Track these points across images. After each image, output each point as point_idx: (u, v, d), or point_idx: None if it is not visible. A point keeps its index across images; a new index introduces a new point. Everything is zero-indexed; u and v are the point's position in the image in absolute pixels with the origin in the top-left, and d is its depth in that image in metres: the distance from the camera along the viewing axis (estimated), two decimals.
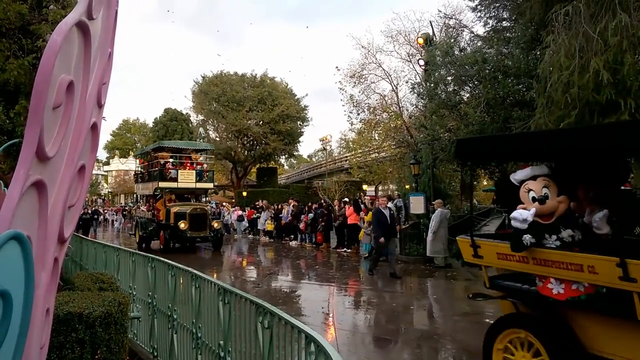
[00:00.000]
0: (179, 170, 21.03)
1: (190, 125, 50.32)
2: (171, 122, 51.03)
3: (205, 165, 23.79)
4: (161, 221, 19.57)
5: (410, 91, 19.97)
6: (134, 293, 6.66)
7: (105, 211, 44.54)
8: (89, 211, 29.29)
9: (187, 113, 49.22)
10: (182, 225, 18.47)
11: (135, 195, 29.28)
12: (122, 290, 6.55)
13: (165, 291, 5.59)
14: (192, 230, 18.70)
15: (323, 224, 19.97)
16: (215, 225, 19.66)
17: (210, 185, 22.91)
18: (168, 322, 5.45)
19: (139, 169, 25.88)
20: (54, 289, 1.85)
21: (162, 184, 20.32)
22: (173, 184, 20.55)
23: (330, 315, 8.95)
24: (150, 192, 21.28)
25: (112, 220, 40.53)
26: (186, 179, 20.94)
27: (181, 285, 5.23)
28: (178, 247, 19.70)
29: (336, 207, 21.20)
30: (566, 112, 7.91)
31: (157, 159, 22.01)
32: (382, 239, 12.38)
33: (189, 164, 22.24)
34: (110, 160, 69.87)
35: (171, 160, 21.90)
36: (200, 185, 21.50)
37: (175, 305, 5.32)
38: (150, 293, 6.10)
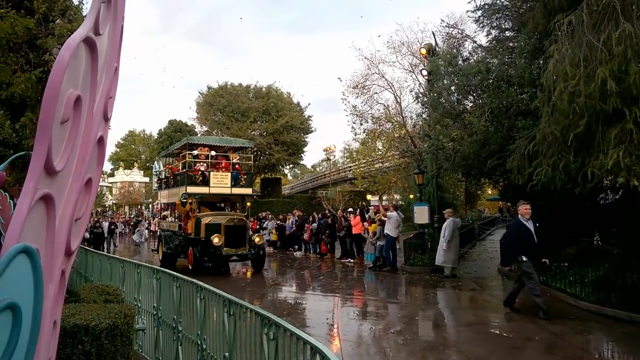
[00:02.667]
0: (212, 172, 17.19)
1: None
2: (175, 133, 51.24)
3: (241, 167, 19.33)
4: (189, 235, 16.28)
5: (414, 100, 20.04)
6: (139, 305, 6.67)
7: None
8: (100, 224, 25.48)
9: (191, 124, 49.44)
10: (216, 240, 15.07)
11: (159, 204, 24.98)
12: (128, 302, 6.56)
13: (170, 303, 5.60)
14: (228, 246, 15.35)
15: (327, 232, 19.96)
16: (257, 240, 16.26)
17: (249, 190, 18.49)
18: (173, 333, 5.44)
19: (162, 173, 22.37)
20: (61, 301, 1.86)
21: (191, 189, 16.56)
22: (204, 189, 16.82)
23: (335, 326, 8.91)
24: (177, 199, 17.49)
25: (119, 232, 39.64)
26: (220, 182, 17.18)
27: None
28: (209, 265, 16.01)
29: (340, 217, 21.18)
30: (573, 121, 7.91)
31: (185, 158, 17.81)
32: (524, 260, 9.03)
33: (223, 165, 18.19)
34: (115, 171, 70.10)
35: (195, 154, 17.85)
36: (236, 190, 17.54)
37: (180, 317, 5.31)
38: (155, 305, 6.10)
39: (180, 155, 18.81)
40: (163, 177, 21.73)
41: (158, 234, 20.86)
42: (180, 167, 18.18)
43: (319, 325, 8.85)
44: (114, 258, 8.57)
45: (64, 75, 1.36)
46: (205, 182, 16.92)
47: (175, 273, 5.65)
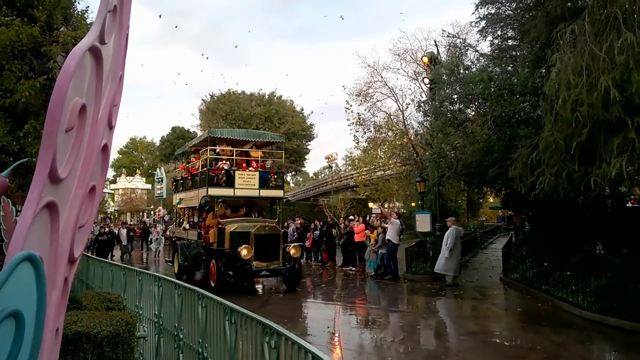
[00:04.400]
0: (237, 172, 14.71)
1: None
2: (178, 140, 51.35)
3: (270, 165, 16.50)
4: (211, 245, 13.84)
5: (416, 109, 20.09)
6: (141, 312, 6.66)
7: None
8: (106, 230, 23.12)
9: (194, 131, 49.57)
10: (244, 252, 12.55)
11: (174, 210, 22.23)
12: (129, 310, 6.55)
13: (171, 310, 5.59)
14: (258, 259, 12.93)
15: (325, 239, 19.99)
16: (292, 251, 13.46)
17: (280, 193, 15.81)
18: (174, 341, 5.43)
19: (179, 174, 20.00)
20: (63, 308, 1.86)
21: (213, 191, 14.24)
22: (227, 191, 14.45)
23: (337, 334, 8.89)
24: (196, 203, 15.19)
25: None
26: (246, 183, 14.69)
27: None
28: (230, 280, 13.07)
29: (342, 224, 21.16)
30: (576, 130, 7.91)
31: (205, 155, 15.40)
32: None
33: (250, 163, 15.60)
34: (117, 178, 70.22)
35: (217, 150, 15.43)
36: (265, 192, 14.99)
37: (181, 325, 5.30)
38: (156, 312, 6.09)
39: (200, 152, 16.45)
40: (179, 178, 19.20)
41: (173, 243, 18.42)
42: (199, 166, 16.00)
43: (320, 333, 8.82)
44: (116, 265, 8.57)
45: (70, 83, 1.37)
46: (230, 182, 14.56)
47: (176, 281, 5.65)
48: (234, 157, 15.34)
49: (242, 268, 12.72)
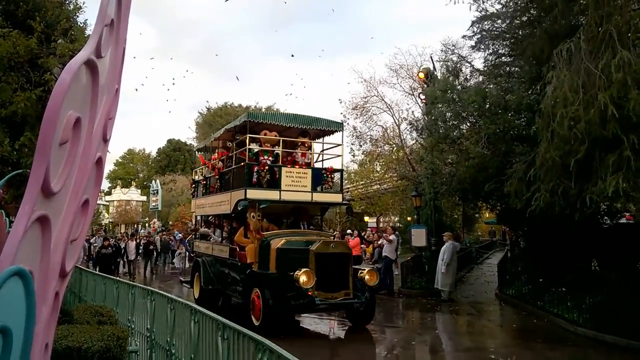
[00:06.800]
0: (283, 168, 11.21)
1: (194, 156, 50.65)
2: (174, 152, 51.40)
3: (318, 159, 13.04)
4: (248, 266, 10.33)
5: (410, 128, 20.19)
6: (133, 326, 6.59)
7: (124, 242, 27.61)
8: (111, 243, 19.33)
9: (190, 144, 49.61)
10: (304, 278, 8.96)
11: (195, 219, 18.71)
12: (121, 324, 6.48)
13: (164, 325, 5.53)
14: (321, 288, 9.27)
15: None
16: (367, 277, 9.81)
17: (339, 197, 12.34)
18: (166, 356, 5.37)
19: (199, 173, 16.21)
20: (53, 323, 1.83)
21: (253, 193, 10.66)
22: (271, 194, 10.87)
23: (331, 351, 8.80)
24: (227, 209, 11.63)
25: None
26: (295, 184, 11.20)
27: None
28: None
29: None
30: (574, 147, 7.96)
31: (243, 146, 11.44)
32: None
33: (299, 157, 11.88)
34: (113, 190, 70.01)
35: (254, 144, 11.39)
36: (319, 197, 11.50)
37: (173, 340, 5.25)
38: (149, 326, 6.03)
39: (234, 142, 12.33)
40: (201, 177, 15.34)
41: (193, 260, 14.89)
42: (233, 161, 12.12)
43: (313, 349, 8.73)
44: (108, 278, 8.50)
45: (64, 97, 1.37)
46: (273, 182, 11.05)
47: (169, 295, 5.60)
48: (281, 150, 11.44)
49: (301, 301, 9.09)
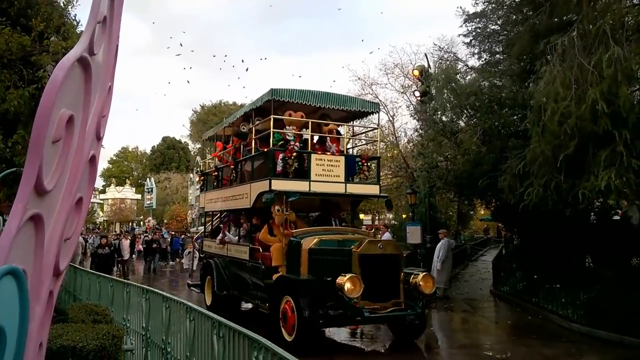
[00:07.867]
0: (313, 155, 9.73)
1: (188, 154, 50.56)
2: (169, 150, 51.26)
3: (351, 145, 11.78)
4: (275, 269, 9.02)
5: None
6: (128, 325, 6.57)
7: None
8: (110, 242, 18.04)
9: (184, 142, 49.49)
10: (348, 285, 7.34)
11: (201, 215, 17.28)
12: (116, 322, 6.47)
13: (159, 323, 5.52)
14: (367, 297, 7.60)
15: None
16: (422, 284, 8.08)
17: (376, 189, 10.48)
18: (162, 354, 5.36)
19: (207, 163, 15.01)
20: (47, 322, 1.83)
21: (278, 184, 9.21)
22: (300, 185, 9.42)
23: (326, 348, 8.81)
24: (246, 203, 10.12)
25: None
26: (326, 173, 9.73)
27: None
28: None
29: None
30: (564, 142, 8.00)
31: (266, 129, 9.81)
32: None
33: (329, 143, 10.34)
34: (107, 188, 69.77)
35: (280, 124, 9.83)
36: (354, 188, 10.07)
37: (169, 338, 5.24)
38: (144, 325, 6.02)
39: (254, 126, 10.34)
40: (212, 168, 13.66)
41: (203, 261, 13.20)
42: (254, 146, 10.33)
43: (309, 347, 8.73)
44: (103, 277, 8.47)
45: (57, 95, 1.36)
46: (301, 172, 9.62)
47: (164, 293, 5.58)
48: (310, 133, 9.94)
49: (340, 311, 7.74)
